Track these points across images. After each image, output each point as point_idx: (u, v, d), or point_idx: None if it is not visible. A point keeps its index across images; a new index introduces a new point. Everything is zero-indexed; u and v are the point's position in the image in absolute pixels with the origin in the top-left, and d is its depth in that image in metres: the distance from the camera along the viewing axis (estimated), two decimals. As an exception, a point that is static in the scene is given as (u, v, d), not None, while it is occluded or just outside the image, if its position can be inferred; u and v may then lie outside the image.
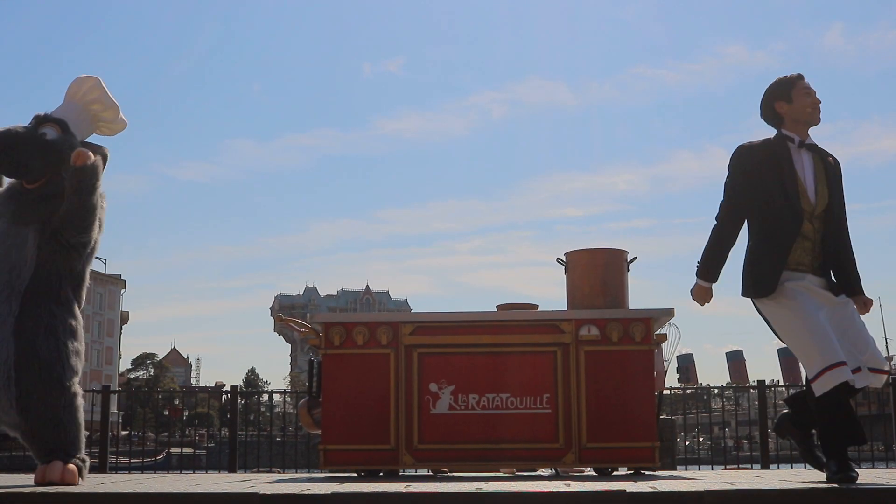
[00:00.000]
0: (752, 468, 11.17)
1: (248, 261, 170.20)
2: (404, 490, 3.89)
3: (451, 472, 6.15)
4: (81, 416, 4.84)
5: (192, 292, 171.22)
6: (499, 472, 6.22)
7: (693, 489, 3.81)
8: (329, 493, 3.80)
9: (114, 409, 15.52)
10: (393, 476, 5.72)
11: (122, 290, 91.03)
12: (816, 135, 4.79)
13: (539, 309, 6.60)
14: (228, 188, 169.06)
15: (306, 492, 3.87)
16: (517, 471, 6.45)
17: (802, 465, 11.46)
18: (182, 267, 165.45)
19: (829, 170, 4.67)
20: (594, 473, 5.84)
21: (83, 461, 4.74)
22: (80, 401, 4.84)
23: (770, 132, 4.79)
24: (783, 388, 20.53)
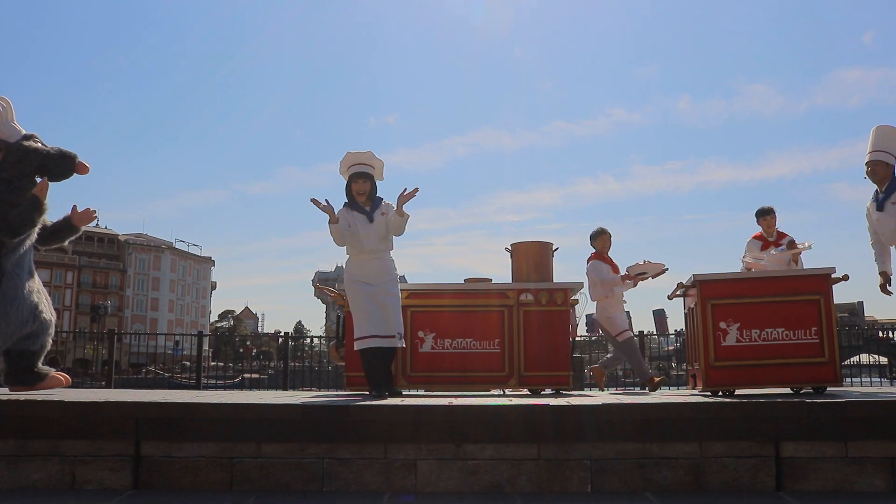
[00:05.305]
0: (635, 390, 11.21)
1: (297, 248, 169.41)
2: (400, 403, 3.87)
3: (442, 392, 6.11)
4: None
5: (260, 269, 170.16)
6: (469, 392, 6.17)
7: (594, 403, 3.82)
8: (350, 404, 3.79)
9: (205, 347, 15.45)
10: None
11: (212, 267, 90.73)
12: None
13: (492, 282, 6.60)
14: (283, 201, 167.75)
15: (334, 403, 3.85)
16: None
17: (668, 389, 11.55)
18: (253, 252, 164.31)
19: None
20: (529, 393, 5.84)
21: None
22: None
23: None
24: (655, 336, 20.70)
